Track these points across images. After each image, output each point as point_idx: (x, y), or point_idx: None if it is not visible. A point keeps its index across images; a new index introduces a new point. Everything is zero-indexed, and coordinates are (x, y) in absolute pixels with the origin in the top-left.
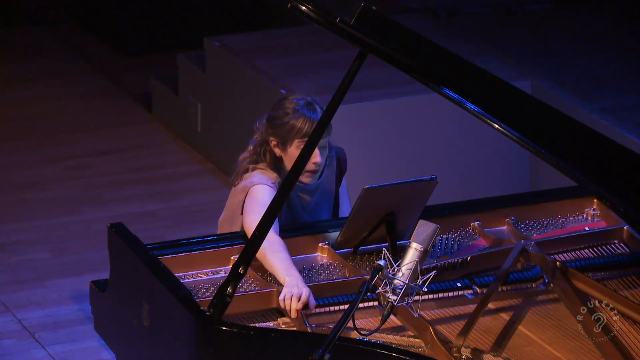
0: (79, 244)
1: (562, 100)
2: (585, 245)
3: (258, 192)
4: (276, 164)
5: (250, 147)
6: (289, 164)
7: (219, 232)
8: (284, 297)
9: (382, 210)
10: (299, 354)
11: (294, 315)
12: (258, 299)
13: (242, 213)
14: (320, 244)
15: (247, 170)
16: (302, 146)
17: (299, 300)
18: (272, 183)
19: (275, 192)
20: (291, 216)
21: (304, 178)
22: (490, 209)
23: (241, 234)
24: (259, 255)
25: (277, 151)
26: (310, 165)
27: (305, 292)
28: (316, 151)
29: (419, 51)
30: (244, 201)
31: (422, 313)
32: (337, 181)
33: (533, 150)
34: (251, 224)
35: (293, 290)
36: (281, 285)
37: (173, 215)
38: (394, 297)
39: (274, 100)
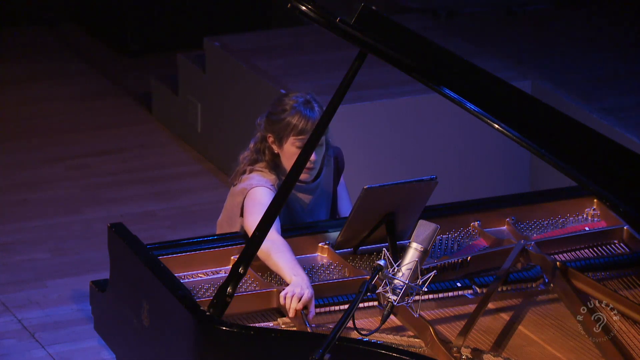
0: (79, 244)
1: (562, 100)
2: (585, 245)
3: (257, 194)
4: (275, 162)
5: (251, 145)
6: (285, 161)
7: (217, 232)
8: (285, 294)
9: (382, 210)
10: (299, 354)
11: (291, 314)
12: (258, 299)
13: (241, 215)
14: (320, 244)
15: (245, 172)
16: (296, 143)
17: (300, 300)
18: (271, 185)
19: (274, 194)
20: (290, 217)
21: (301, 175)
22: (490, 209)
23: (241, 234)
24: (263, 255)
25: (275, 148)
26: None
27: (307, 293)
28: None
29: (419, 51)
30: (243, 203)
31: (422, 313)
32: (335, 180)
33: (533, 150)
34: (252, 225)
35: (296, 289)
36: (282, 285)
37: (173, 215)
38: (394, 297)
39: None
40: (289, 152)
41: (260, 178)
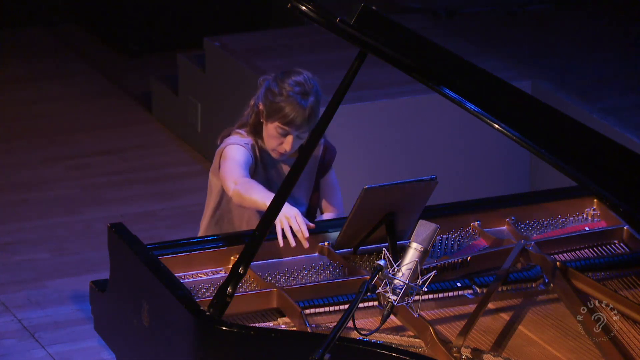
0: (79, 244)
1: (562, 100)
2: (585, 245)
3: (231, 151)
4: (256, 127)
5: (252, 102)
6: (265, 135)
7: (204, 216)
8: (281, 227)
9: (382, 210)
10: (299, 354)
11: (306, 235)
12: (258, 299)
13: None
14: (320, 244)
15: (228, 134)
16: (279, 130)
17: (296, 219)
18: (246, 144)
19: (248, 152)
20: (266, 180)
21: (273, 153)
22: (490, 209)
23: (241, 234)
24: (236, 198)
25: (261, 117)
26: (280, 148)
27: (293, 210)
28: (289, 140)
29: (419, 51)
30: (220, 162)
31: (422, 313)
32: (320, 169)
33: (533, 150)
34: (227, 177)
35: (283, 218)
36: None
37: (173, 215)
38: (394, 297)
39: None
40: (270, 132)
41: (238, 138)
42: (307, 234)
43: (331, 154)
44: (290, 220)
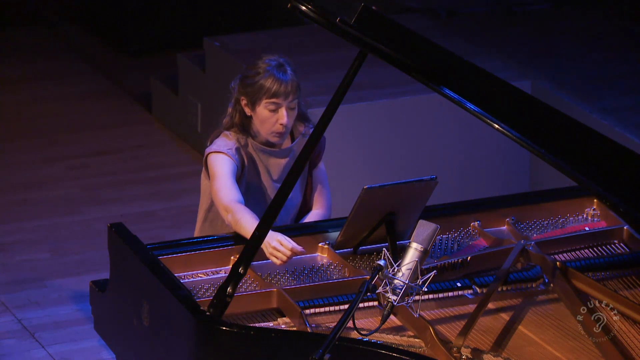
0: (79, 244)
1: (562, 100)
2: (585, 245)
3: (214, 163)
4: (245, 125)
5: (230, 109)
6: (258, 123)
7: (199, 215)
8: (274, 255)
9: (382, 210)
10: (299, 354)
11: (298, 250)
12: (258, 299)
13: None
14: (320, 244)
15: (218, 135)
16: (270, 107)
17: (281, 244)
18: (229, 149)
19: (231, 159)
20: (257, 176)
21: (272, 138)
22: (490, 209)
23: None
24: (232, 226)
25: (247, 110)
26: (277, 127)
27: (278, 238)
28: (283, 112)
29: (419, 51)
30: (208, 167)
31: (422, 313)
32: (312, 162)
33: (533, 150)
34: (216, 192)
35: (269, 249)
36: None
37: (173, 215)
38: (394, 297)
39: None
40: (262, 115)
41: (221, 142)
42: (299, 248)
43: (321, 145)
44: (278, 250)
